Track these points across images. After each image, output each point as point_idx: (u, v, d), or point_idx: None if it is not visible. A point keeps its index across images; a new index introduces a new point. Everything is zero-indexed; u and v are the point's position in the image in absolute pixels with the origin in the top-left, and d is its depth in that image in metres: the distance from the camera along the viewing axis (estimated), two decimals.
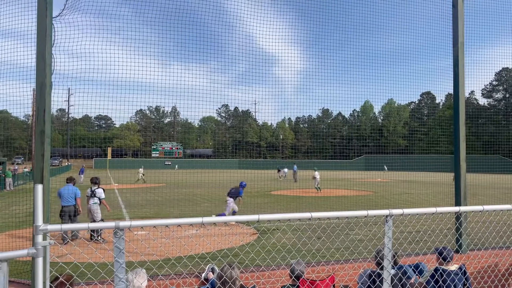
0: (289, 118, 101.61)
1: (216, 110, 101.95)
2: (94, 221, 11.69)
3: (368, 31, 9.64)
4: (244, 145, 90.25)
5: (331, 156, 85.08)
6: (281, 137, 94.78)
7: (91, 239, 11.54)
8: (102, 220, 12.04)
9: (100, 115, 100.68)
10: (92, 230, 11.31)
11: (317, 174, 29.60)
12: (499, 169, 40.59)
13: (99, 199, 12.02)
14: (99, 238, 11.46)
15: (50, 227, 2.55)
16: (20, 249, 2.51)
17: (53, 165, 64.15)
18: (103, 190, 12.32)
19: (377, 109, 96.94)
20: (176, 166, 72.22)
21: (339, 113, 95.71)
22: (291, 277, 4.62)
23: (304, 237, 11.16)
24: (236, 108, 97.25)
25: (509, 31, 10.33)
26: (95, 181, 12.26)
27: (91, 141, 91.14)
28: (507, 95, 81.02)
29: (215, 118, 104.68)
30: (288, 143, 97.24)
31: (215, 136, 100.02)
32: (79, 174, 39.62)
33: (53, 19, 5.08)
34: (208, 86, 8.56)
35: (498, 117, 76.94)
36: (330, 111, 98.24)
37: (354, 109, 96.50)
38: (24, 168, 45.29)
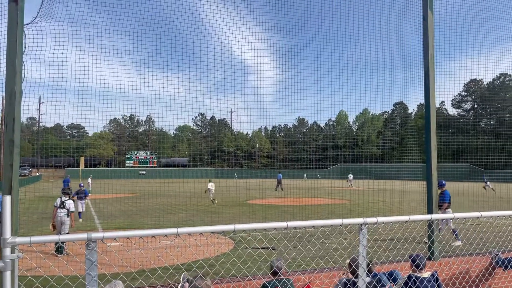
0: (265, 127, 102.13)
1: (192, 119, 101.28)
2: (60, 233, 11.33)
3: (343, 43, 9.85)
4: (220, 154, 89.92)
5: (307, 165, 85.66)
6: (257, 146, 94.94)
7: (57, 251, 11.03)
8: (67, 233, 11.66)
9: (72, 123, 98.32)
10: (61, 243, 10.91)
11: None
12: (468, 178, 41.85)
13: (68, 211, 11.65)
14: (64, 251, 11.03)
15: (19, 239, 2.47)
16: None
17: (22, 175, 62.09)
18: (73, 202, 12.03)
19: (351, 118, 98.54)
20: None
21: (315, 122, 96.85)
22: (275, 274, 4.78)
23: (280, 246, 11.17)
24: (212, 117, 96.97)
25: (477, 44, 10.74)
26: (67, 192, 11.94)
27: (63, 150, 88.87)
28: (475, 106, 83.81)
29: (191, 127, 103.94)
30: (264, 152, 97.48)
31: (190, 145, 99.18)
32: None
33: (24, 26, 4.97)
34: (184, 95, 8.54)
35: (467, 127, 79.52)
36: (305, 120, 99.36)
37: (330, 119, 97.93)
38: None
